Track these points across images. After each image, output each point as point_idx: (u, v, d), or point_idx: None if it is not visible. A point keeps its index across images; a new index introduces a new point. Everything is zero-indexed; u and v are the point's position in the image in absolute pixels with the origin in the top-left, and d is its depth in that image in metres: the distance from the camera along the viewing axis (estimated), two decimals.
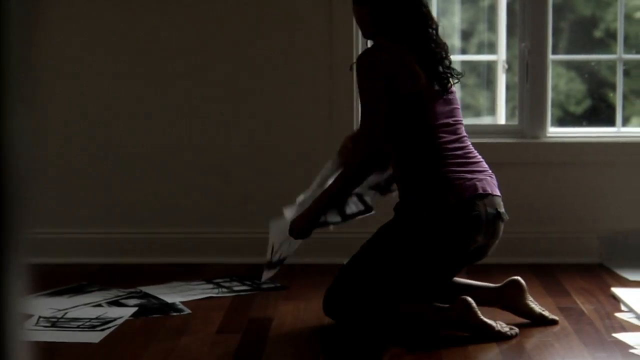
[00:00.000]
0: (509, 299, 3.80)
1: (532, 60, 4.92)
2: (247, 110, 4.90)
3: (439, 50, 3.74)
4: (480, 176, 3.70)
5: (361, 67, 3.69)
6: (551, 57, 4.97)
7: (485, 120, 5.32)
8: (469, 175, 3.68)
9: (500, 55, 5.17)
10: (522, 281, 3.81)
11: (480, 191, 3.65)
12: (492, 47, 5.25)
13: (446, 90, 3.72)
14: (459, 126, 3.78)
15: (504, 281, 3.84)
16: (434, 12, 5.06)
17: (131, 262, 4.88)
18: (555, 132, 5.01)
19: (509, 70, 5.16)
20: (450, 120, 3.74)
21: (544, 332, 3.73)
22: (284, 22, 4.89)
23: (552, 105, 5.09)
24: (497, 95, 5.21)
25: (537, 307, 3.81)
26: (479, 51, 5.39)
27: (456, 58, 5.43)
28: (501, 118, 5.19)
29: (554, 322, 3.78)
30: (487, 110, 5.35)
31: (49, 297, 4.29)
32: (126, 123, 4.94)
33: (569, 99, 5.86)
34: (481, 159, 3.79)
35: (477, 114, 5.45)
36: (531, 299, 3.83)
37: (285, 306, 4.13)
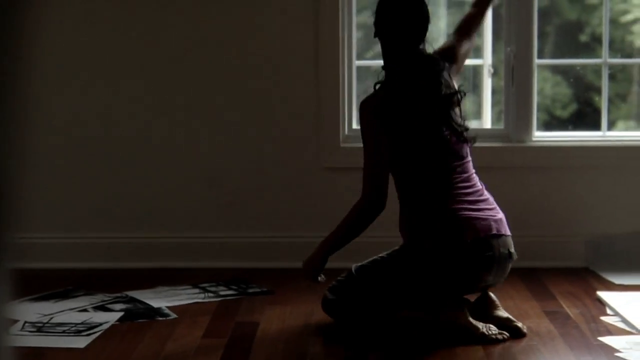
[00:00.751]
0: (480, 311, 3.80)
1: (517, 65, 4.93)
2: (233, 114, 4.90)
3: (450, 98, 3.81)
4: (493, 215, 3.77)
5: (362, 117, 3.76)
6: (537, 61, 4.98)
7: (472, 124, 5.31)
8: (483, 214, 3.74)
9: (486, 60, 5.17)
10: (493, 295, 3.83)
11: (495, 232, 3.70)
12: (478, 51, 5.25)
13: (458, 138, 3.79)
14: (467, 164, 3.83)
15: (477, 295, 3.86)
16: None
17: (117, 266, 4.87)
18: (540, 136, 5.02)
19: (495, 74, 5.16)
20: (460, 160, 3.79)
21: (529, 336, 3.73)
22: (270, 21, 4.89)
23: (539, 109, 5.09)
24: (483, 99, 5.21)
25: (504, 314, 3.80)
26: None
27: None
28: (487, 122, 5.20)
29: (517, 330, 3.74)
30: (474, 114, 5.35)
31: (35, 302, 4.28)
32: (109, 128, 4.92)
33: (555, 102, 5.87)
34: (489, 196, 3.85)
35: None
36: (501, 309, 3.82)
37: (272, 311, 4.13)
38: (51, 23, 4.81)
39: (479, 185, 3.84)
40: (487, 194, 3.83)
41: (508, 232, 3.79)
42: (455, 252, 3.66)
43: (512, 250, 3.78)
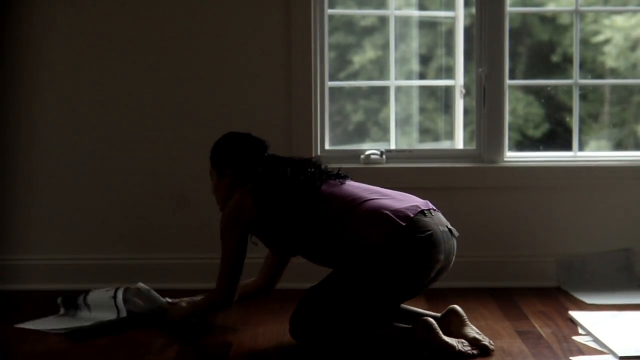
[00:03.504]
0: (448, 327, 3.81)
1: (489, 85, 4.96)
2: (203, 135, 4.89)
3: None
4: (410, 200, 3.84)
5: (224, 222, 3.99)
6: (508, 82, 5.01)
7: (444, 144, 5.34)
8: (400, 201, 3.82)
9: (458, 80, 5.19)
10: (460, 310, 3.83)
11: (423, 207, 3.73)
12: (450, 72, 5.28)
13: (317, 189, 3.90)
14: (352, 187, 3.94)
15: (444, 310, 3.86)
16: (392, 37, 5.10)
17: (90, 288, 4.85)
18: (512, 156, 5.04)
19: (467, 95, 5.18)
20: (356, 193, 3.87)
21: (502, 356, 3.73)
22: (242, 43, 4.90)
23: (511, 129, 5.12)
24: (455, 120, 5.23)
25: (473, 331, 3.80)
26: (438, 75, 5.42)
27: (414, 83, 5.47)
28: (459, 143, 5.22)
29: (485, 348, 3.75)
30: (446, 134, 5.36)
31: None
32: (86, 148, 4.92)
33: (527, 122, 5.89)
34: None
35: (436, 138, 5.47)
36: (470, 325, 3.82)
37: (244, 332, 4.11)
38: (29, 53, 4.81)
39: (381, 192, 3.90)
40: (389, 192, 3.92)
41: (435, 208, 3.85)
42: (398, 239, 3.67)
43: (450, 226, 3.82)
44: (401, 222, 3.68)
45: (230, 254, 3.94)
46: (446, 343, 3.63)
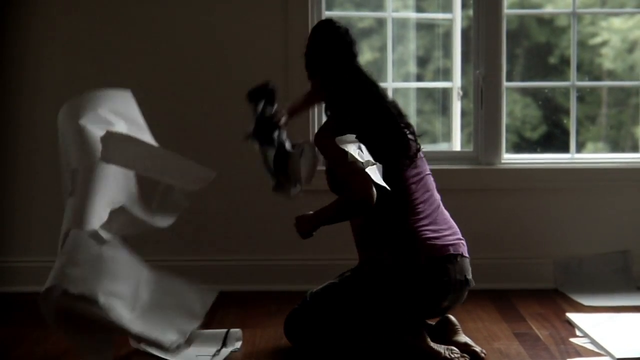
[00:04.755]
0: (442, 336, 3.80)
1: (486, 87, 4.96)
2: (200, 137, 4.89)
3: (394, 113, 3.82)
4: (450, 235, 3.75)
5: (324, 142, 3.74)
6: (505, 84, 5.01)
7: (441, 146, 5.34)
8: (439, 235, 3.72)
9: (456, 82, 5.19)
10: (454, 319, 3.83)
11: (452, 252, 3.70)
12: (447, 74, 5.28)
13: (415, 155, 3.78)
14: (427, 182, 3.82)
15: (439, 319, 3.85)
16: (389, 39, 5.09)
17: None
18: (509, 158, 5.04)
19: (464, 96, 5.18)
20: (420, 178, 3.79)
21: (499, 358, 3.73)
22: (239, 46, 4.90)
23: (508, 131, 5.12)
24: (452, 122, 5.23)
25: (465, 338, 3.79)
26: (435, 77, 5.42)
27: (412, 85, 5.46)
28: (457, 144, 5.22)
29: (475, 354, 3.71)
30: (443, 136, 5.36)
31: None
32: None
33: (524, 124, 5.90)
34: (449, 218, 3.83)
35: (434, 140, 5.46)
36: (462, 334, 3.82)
37: (242, 333, 4.11)
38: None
39: (438, 202, 3.83)
40: (445, 213, 3.83)
41: (466, 254, 3.78)
42: (411, 273, 3.65)
43: (469, 276, 3.75)
44: (422, 258, 3.67)
45: (343, 159, 3.64)
46: (433, 349, 3.62)
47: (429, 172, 3.87)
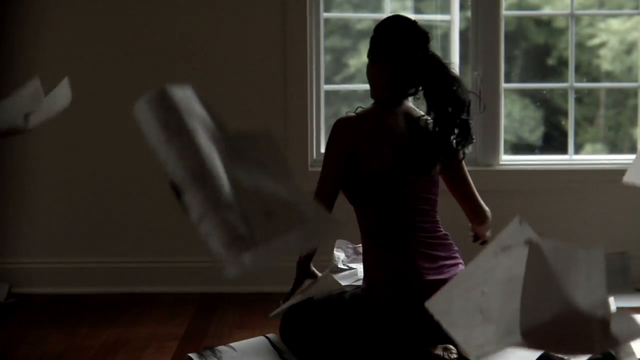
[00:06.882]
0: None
1: (484, 89, 4.96)
2: None
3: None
4: (452, 271, 3.63)
5: (331, 132, 3.67)
6: (504, 85, 5.02)
7: None
8: (440, 273, 3.61)
9: None
10: None
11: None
12: None
13: (424, 173, 3.68)
14: (430, 208, 3.71)
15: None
16: None
17: (85, 292, 4.86)
18: (508, 159, 5.05)
19: None
20: (421, 203, 3.68)
21: None
22: (238, 46, 4.90)
23: (507, 132, 5.13)
24: None
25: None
26: None
27: None
28: None
29: None
30: None
31: None
32: (86, 150, 4.92)
33: (522, 126, 5.90)
34: (451, 243, 3.72)
35: None
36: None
37: (240, 334, 4.11)
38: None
39: (441, 231, 3.72)
40: (449, 241, 3.72)
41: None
42: (408, 314, 3.56)
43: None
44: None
45: (325, 167, 3.65)
46: (430, 350, 3.60)
47: (435, 183, 3.76)
